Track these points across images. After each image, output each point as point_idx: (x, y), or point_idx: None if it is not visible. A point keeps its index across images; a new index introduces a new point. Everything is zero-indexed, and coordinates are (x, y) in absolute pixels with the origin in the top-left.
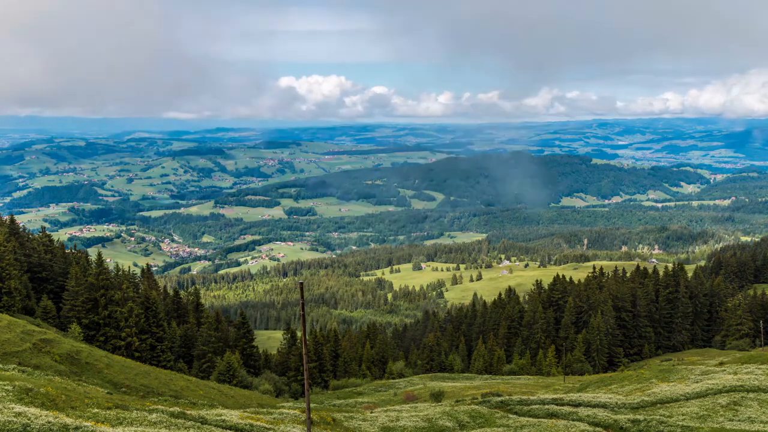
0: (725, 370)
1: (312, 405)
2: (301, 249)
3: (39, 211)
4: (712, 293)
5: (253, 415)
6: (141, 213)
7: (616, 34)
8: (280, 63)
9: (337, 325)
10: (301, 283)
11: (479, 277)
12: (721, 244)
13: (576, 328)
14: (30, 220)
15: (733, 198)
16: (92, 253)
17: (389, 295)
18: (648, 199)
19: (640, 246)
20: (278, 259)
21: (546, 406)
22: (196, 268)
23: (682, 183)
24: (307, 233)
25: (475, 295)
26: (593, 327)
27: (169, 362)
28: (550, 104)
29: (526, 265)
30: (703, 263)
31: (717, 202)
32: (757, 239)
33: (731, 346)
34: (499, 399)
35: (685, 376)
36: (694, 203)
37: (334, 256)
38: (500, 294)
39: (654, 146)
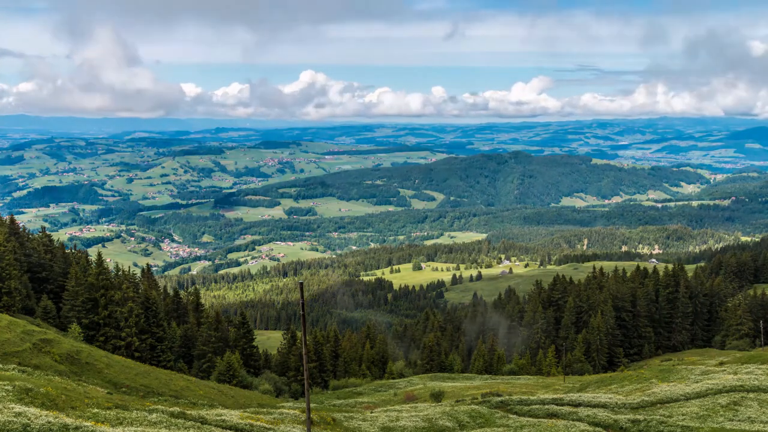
0: (725, 370)
1: (312, 405)
2: (301, 249)
3: (39, 211)
4: (712, 293)
5: (253, 415)
6: (141, 213)
7: None
8: None
9: (337, 325)
10: (301, 283)
11: (479, 277)
12: (721, 244)
13: (576, 328)
14: (30, 220)
15: (733, 198)
16: (92, 253)
17: (389, 295)
18: (648, 199)
19: (640, 246)
20: (278, 259)
21: (546, 406)
22: (196, 268)
23: (682, 183)
24: (307, 233)
25: (475, 295)
26: (593, 327)
27: (169, 362)
28: (549, 104)
29: (526, 265)
30: (703, 263)
31: (717, 202)
32: (757, 239)
33: (731, 346)
34: (499, 399)
35: (685, 376)
36: (694, 203)
37: (334, 256)
38: (500, 294)
39: (654, 146)
